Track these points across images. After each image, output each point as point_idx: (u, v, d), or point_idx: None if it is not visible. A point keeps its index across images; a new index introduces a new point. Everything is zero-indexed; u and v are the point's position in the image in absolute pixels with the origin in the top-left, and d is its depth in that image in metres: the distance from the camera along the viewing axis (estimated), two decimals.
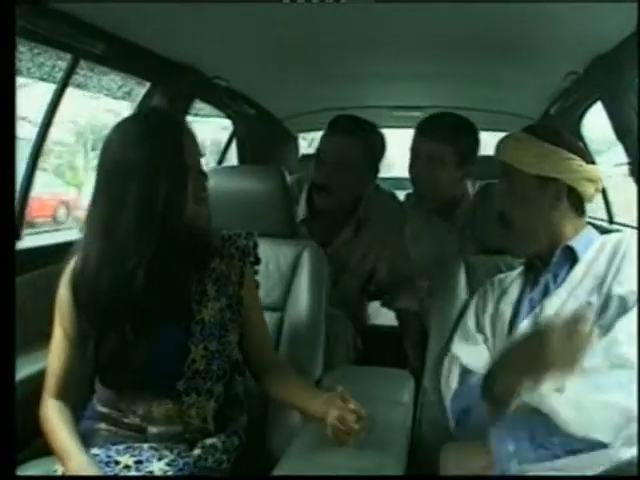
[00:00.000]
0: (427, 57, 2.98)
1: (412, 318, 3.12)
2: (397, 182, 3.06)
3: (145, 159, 1.77)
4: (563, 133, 2.07)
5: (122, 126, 1.88)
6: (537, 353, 1.56)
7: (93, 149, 12.48)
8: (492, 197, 2.18)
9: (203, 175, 1.90)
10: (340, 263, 2.71)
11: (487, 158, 3.11)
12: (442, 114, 2.99)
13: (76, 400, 1.95)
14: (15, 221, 2.42)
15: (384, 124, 5.16)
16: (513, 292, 2.07)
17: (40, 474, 1.85)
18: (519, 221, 2.00)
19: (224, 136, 4.70)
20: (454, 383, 2.02)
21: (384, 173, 3.34)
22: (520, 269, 2.13)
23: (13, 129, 1.80)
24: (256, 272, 2.08)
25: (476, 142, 2.92)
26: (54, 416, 1.87)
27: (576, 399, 1.63)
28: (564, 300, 1.87)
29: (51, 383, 1.92)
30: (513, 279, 2.12)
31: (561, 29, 2.36)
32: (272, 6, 2.13)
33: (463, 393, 1.95)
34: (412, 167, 2.95)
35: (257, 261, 2.07)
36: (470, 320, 2.11)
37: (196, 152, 1.89)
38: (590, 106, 3.50)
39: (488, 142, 3.07)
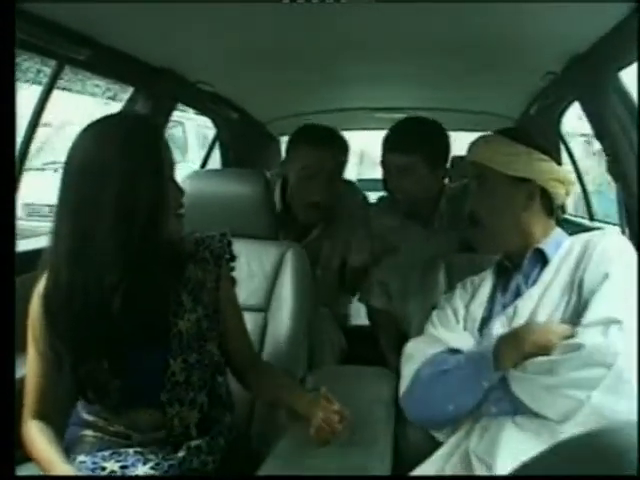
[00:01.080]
0: (409, 59, 2.97)
1: (384, 317, 3.13)
2: (378, 183, 3.06)
3: (122, 163, 1.71)
4: (534, 135, 2.07)
5: (95, 127, 1.80)
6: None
7: None
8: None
9: (179, 189, 1.86)
10: (313, 258, 2.73)
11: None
12: (404, 122, 2.98)
13: (57, 417, 1.92)
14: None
15: (366, 126, 5.21)
16: (483, 293, 2.08)
17: (40, 474, 1.85)
18: (489, 220, 2.02)
19: None
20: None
21: (367, 174, 3.39)
22: (490, 270, 2.14)
23: (13, 131, 1.78)
24: (232, 269, 2.04)
25: (446, 142, 2.92)
26: (36, 436, 1.84)
27: (528, 377, 1.73)
28: (536, 302, 1.89)
29: (29, 403, 1.89)
30: (483, 280, 2.12)
31: (539, 29, 2.36)
32: (251, 9, 2.13)
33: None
34: (385, 180, 2.97)
35: (232, 258, 2.02)
36: (449, 312, 2.11)
37: (172, 163, 1.85)
38: (569, 106, 3.53)
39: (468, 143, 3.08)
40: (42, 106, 2.49)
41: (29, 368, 1.89)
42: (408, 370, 2.03)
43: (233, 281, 2.06)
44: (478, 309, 2.05)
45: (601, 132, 2.77)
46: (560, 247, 1.96)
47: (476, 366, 1.85)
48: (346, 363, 2.97)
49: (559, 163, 2.02)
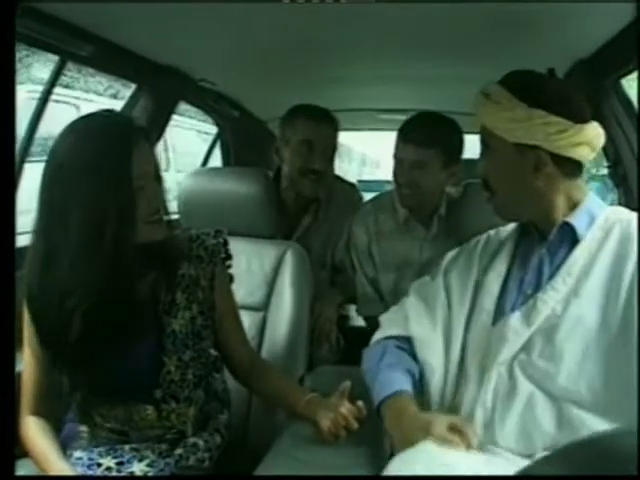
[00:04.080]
0: (413, 60, 2.98)
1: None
2: (380, 184, 3.06)
3: (90, 167, 1.64)
4: (544, 86, 1.70)
5: (72, 127, 1.73)
6: None
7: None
8: (472, 196, 2.21)
9: (158, 192, 1.79)
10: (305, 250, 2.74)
11: (471, 161, 3.11)
12: (422, 116, 2.92)
13: (54, 412, 1.92)
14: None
15: (370, 126, 5.21)
16: (502, 260, 1.84)
17: (26, 474, 1.85)
18: (500, 189, 1.78)
19: None
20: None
21: (369, 175, 3.40)
22: (514, 228, 1.90)
23: (13, 129, 1.77)
24: (229, 267, 2.02)
25: (460, 141, 2.88)
26: (34, 433, 1.85)
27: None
28: (563, 297, 1.63)
29: (26, 400, 1.88)
30: (505, 240, 1.90)
31: (542, 32, 2.37)
32: (255, 9, 2.13)
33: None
34: (396, 174, 2.89)
35: (228, 257, 2.00)
36: (440, 283, 1.95)
37: (150, 168, 1.77)
38: None
39: (475, 145, 3.03)
40: (44, 103, 2.49)
41: (25, 365, 1.89)
42: (373, 338, 2.04)
43: (230, 278, 2.04)
44: (494, 282, 1.81)
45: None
46: (594, 222, 1.68)
47: (373, 390, 1.83)
48: (345, 364, 2.97)
49: (581, 120, 1.66)
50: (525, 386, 1.62)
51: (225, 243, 2.00)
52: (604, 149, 2.76)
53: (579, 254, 1.65)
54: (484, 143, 1.80)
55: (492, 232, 1.98)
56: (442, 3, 2.11)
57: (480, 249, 1.94)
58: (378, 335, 2.03)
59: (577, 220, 1.68)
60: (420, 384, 1.83)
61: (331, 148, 3.18)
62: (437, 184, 2.85)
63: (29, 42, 2.23)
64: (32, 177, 1.87)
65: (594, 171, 8.79)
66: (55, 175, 1.67)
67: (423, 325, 1.90)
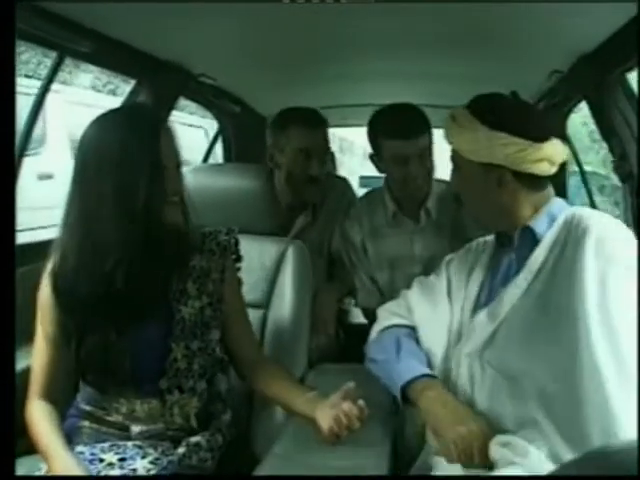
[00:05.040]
0: (412, 56, 2.98)
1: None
2: (381, 180, 3.02)
3: (121, 152, 1.75)
4: (505, 109, 1.85)
5: (99, 119, 1.85)
6: None
7: None
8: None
9: (179, 178, 1.89)
10: None
11: None
12: (394, 108, 2.87)
13: (61, 399, 1.95)
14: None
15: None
16: (480, 270, 1.98)
17: (24, 472, 1.84)
18: (468, 203, 1.97)
19: None
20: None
21: (370, 169, 3.37)
22: (492, 239, 2.03)
23: (13, 128, 1.79)
24: (238, 269, 2.08)
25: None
26: (39, 416, 1.88)
27: None
28: (523, 290, 1.76)
29: (35, 383, 1.93)
30: (487, 247, 2.03)
31: (545, 27, 2.36)
32: (256, 5, 2.13)
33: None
34: (404, 171, 2.78)
35: (239, 258, 2.07)
36: (443, 280, 2.07)
37: (173, 153, 1.87)
38: (575, 105, 3.51)
39: None
40: (42, 99, 2.48)
41: (36, 351, 1.94)
42: (372, 331, 2.17)
43: (239, 281, 2.11)
44: (474, 285, 1.97)
45: (608, 132, 2.76)
46: (554, 223, 1.79)
47: (389, 381, 1.93)
48: (346, 361, 2.96)
49: (543, 138, 1.79)
50: (491, 374, 1.75)
51: (237, 243, 2.07)
52: (609, 144, 2.75)
53: (538, 253, 1.77)
54: (453, 161, 1.94)
55: (488, 237, 2.08)
56: (441, 3, 2.10)
57: (473, 249, 2.09)
58: (379, 326, 2.13)
59: (537, 223, 1.81)
60: None
61: (326, 151, 3.21)
62: (431, 172, 2.86)
63: (27, 37, 2.22)
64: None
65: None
66: (88, 159, 1.80)
67: (427, 314, 2.03)
